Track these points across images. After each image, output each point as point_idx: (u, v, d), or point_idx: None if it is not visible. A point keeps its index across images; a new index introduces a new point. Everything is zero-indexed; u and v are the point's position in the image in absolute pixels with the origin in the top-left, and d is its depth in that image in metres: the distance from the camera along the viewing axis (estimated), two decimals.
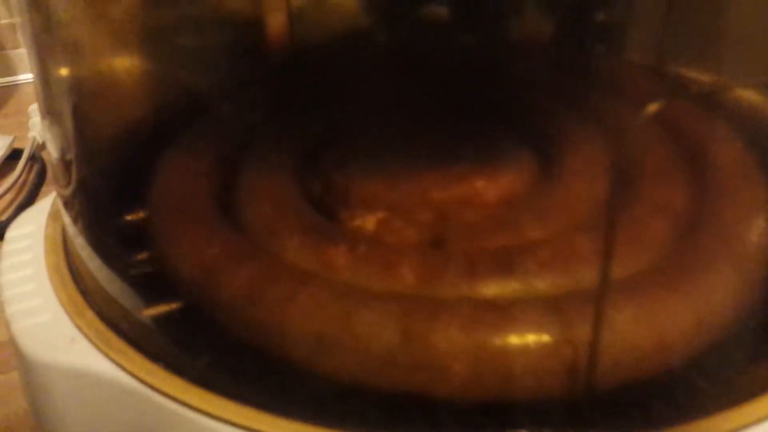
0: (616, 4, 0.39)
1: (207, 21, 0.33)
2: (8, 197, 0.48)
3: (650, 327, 0.22)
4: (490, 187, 0.29)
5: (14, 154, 0.54)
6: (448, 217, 0.29)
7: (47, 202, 0.33)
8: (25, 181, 0.50)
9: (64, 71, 0.28)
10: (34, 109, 0.58)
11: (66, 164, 0.28)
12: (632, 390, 0.22)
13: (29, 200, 0.47)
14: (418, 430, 0.22)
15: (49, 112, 0.29)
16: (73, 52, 0.29)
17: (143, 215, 0.30)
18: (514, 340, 0.21)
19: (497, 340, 0.21)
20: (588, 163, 0.31)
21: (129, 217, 0.30)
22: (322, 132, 0.35)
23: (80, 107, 0.29)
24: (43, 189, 0.50)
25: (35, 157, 0.53)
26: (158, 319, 0.25)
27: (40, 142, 0.56)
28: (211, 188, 0.31)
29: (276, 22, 0.41)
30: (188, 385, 0.22)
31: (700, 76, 0.38)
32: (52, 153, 0.29)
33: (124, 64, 0.33)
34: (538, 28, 0.41)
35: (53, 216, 0.31)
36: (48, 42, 0.28)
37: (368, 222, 0.29)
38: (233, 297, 0.24)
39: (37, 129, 0.56)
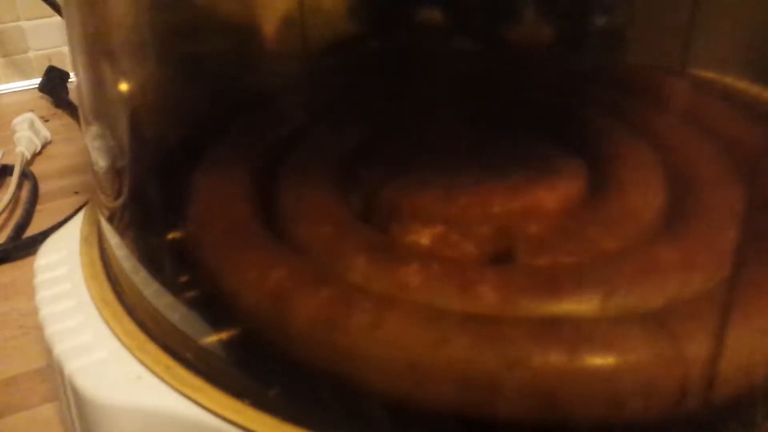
0: (641, 8, 0.39)
1: (248, 27, 0.32)
2: (1, 216, 0.45)
3: (755, 339, 0.21)
4: (552, 196, 0.28)
5: (1, 171, 0.51)
6: (510, 230, 0.28)
7: (73, 225, 0.30)
8: (17, 200, 0.47)
9: (122, 76, 0.26)
10: (18, 122, 0.54)
11: (117, 173, 0.26)
12: (735, 406, 0.22)
13: (26, 220, 0.45)
14: None
15: (98, 119, 0.27)
16: (132, 57, 0.27)
17: (183, 235, 0.28)
18: (624, 360, 0.20)
19: (605, 362, 0.20)
20: (641, 170, 0.30)
21: (168, 237, 0.29)
22: (356, 145, 0.34)
23: (138, 112, 0.27)
24: (38, 207, 0.47)
25: (26, 174, 0.50)
26: (228, 350, 0.23)
27: (29, 157, 0.53)
28: (253, 207, 0.29)
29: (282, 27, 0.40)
30: (281, 423, 0.20)
31: (723, 79, 0.38)
32: (99, 162, 0.27)
33: (178, 68, 0.31)
34: (562, 33, 0.41)
35: (87, 239, 0.29)
36: (104, 46, 0.26)
37: (423, 237, 0.28)
38: (310, 323, 0.23)
39: (24, 144, 0.53)
